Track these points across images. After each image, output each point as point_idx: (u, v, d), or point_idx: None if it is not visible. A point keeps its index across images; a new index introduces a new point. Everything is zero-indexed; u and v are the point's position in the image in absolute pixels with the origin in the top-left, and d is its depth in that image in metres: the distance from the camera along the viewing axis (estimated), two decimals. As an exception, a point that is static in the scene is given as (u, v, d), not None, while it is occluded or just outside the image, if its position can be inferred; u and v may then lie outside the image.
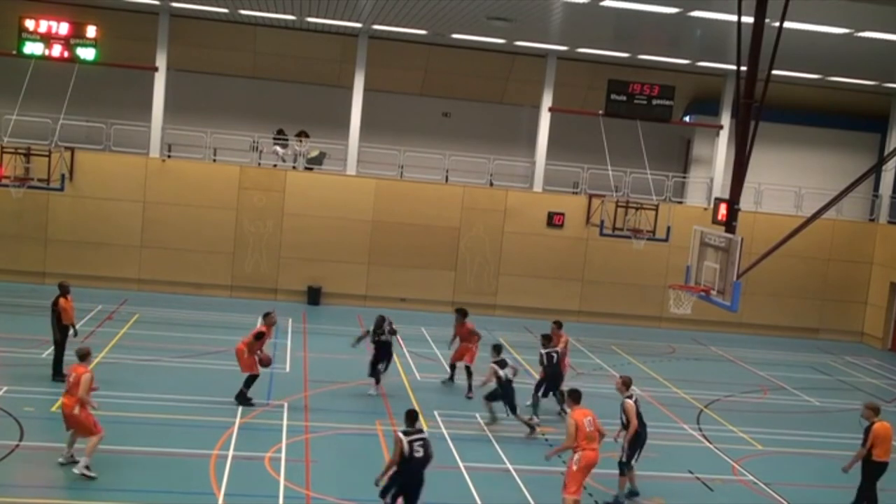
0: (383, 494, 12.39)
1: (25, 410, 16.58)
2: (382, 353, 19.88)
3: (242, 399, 18.15)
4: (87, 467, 13.98)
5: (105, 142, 29.24)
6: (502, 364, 17.97)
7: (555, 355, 18.96)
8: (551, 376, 18.92)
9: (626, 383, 15.02)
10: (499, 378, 17.78)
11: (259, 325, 18.75)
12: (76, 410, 14.01)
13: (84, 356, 14.54)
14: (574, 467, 13.44)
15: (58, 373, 18.47)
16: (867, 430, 14.57)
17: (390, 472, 12.38)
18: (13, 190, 25.71)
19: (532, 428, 17.99)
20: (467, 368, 20.62)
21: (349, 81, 30.17)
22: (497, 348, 18.43)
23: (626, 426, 14.77)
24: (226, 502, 13.47)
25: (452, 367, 21.31)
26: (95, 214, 28.62)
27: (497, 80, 32.45)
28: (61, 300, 18.75)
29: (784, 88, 29.60)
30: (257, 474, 14.61)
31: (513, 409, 17.88)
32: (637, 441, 14.81)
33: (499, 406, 18.15)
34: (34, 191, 26.42)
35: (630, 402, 14.75)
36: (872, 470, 14.68)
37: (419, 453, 12.35)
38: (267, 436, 16.46)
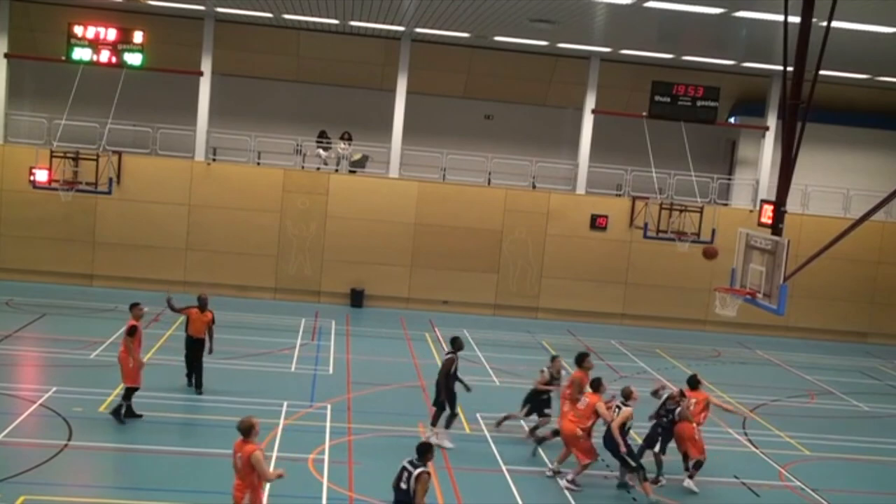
0: None
1: (74, 411, 16.82)
2: None
3: (117, 413, 16.42)
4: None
5: (151, 146, 29.62)
6: None
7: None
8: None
9: None
10: None
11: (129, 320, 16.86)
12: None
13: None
14: None
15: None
16: None
17: None
18: (62, 193, 26.15)
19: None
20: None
21: (392, 85, 30.26)
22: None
23: None
24: (269, 503, 13.54)
25: None
26: (142, 217, 28.98)
27: (540, 82, 32.35)
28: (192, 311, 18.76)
29: (832, 89, 29.16)
30: (301, 475, 14.64)
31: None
32: None
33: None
34: (82, 194, 26.83)
35: None
36: None
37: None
38: (310, 437, 16.53)
